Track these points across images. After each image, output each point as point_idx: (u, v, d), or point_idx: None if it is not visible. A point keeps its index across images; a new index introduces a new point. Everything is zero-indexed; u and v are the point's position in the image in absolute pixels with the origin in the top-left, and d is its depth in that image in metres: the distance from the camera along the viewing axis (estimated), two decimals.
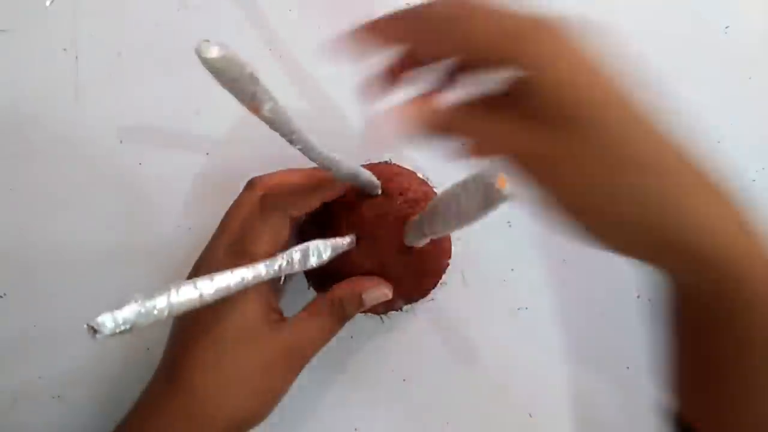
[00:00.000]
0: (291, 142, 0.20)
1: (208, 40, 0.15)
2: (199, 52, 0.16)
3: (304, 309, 0.26)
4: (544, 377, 0.32)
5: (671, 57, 0.35)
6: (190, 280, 0.19)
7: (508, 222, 0.33)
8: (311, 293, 0.30)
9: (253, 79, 0.17)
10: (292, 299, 0.31)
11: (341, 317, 0.26)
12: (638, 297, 0.32)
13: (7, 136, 0.32)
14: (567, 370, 0.32)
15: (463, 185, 0.18)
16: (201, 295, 0.19)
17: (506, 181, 0.16)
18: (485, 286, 0.32)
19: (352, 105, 0.33)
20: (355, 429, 0.31)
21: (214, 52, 0.15)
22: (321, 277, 0.30)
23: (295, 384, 0.31)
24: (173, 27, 0.34)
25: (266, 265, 0.23)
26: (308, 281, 0.31)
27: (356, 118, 0.33)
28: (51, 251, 0.31)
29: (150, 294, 0.17)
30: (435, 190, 0.31)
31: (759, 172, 0.34)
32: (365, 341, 0.32)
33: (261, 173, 0.32)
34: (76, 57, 0.33)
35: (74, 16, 0.33)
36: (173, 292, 0.18)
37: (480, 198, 0.17)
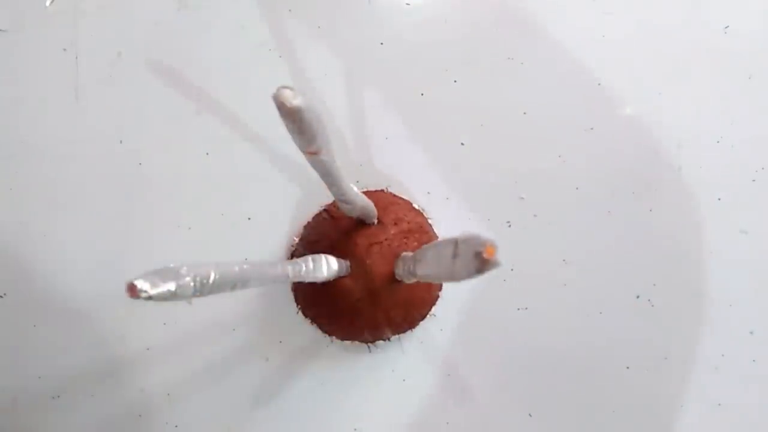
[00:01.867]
0: (326, 182, 0.20)
1: (287, 87, 0.15)
2: (278, 99, 0.15)
3: None
4: (544, 377, 0.32)
5: (671, 57, 0.35)
6: (234, 262, 0.18)
7: (508, 222, 0.33)
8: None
9: (323, 127, 0.16)
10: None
11: None
12: (638, 297, 0.32)
13: (7, 136, 0.32)
14: (567, 370, 0.32)
15: (454, 246, 0.18)
16: (241, 278, 0.18)
17: (494, 250, 0.16)
18: (485, 286, 0.32)
19: (349, 106, 0.33)
20: (355, 429, 0.31)
21: (297, 102, 0.15)
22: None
23: (295, 384, 0.31)
24: (173, 27, 0.34)
25: (292, 266, 0.23)
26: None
27: (352, 119, 0.33)
28: (51, 251, 0.31)
29: (195, 267, 0.16)
30: (429, 221, 0.31)
31: (759, 172, 0.34)
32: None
33: (260, 173, 0.32)
34: (76, 57, 0.33)
35: (74, 16, 0.33)
36: (214, 271, 0.17)
37: (468, 263, 0.17)
